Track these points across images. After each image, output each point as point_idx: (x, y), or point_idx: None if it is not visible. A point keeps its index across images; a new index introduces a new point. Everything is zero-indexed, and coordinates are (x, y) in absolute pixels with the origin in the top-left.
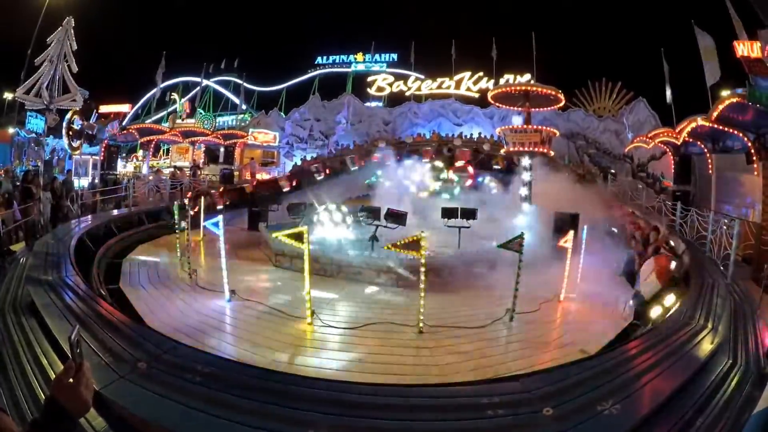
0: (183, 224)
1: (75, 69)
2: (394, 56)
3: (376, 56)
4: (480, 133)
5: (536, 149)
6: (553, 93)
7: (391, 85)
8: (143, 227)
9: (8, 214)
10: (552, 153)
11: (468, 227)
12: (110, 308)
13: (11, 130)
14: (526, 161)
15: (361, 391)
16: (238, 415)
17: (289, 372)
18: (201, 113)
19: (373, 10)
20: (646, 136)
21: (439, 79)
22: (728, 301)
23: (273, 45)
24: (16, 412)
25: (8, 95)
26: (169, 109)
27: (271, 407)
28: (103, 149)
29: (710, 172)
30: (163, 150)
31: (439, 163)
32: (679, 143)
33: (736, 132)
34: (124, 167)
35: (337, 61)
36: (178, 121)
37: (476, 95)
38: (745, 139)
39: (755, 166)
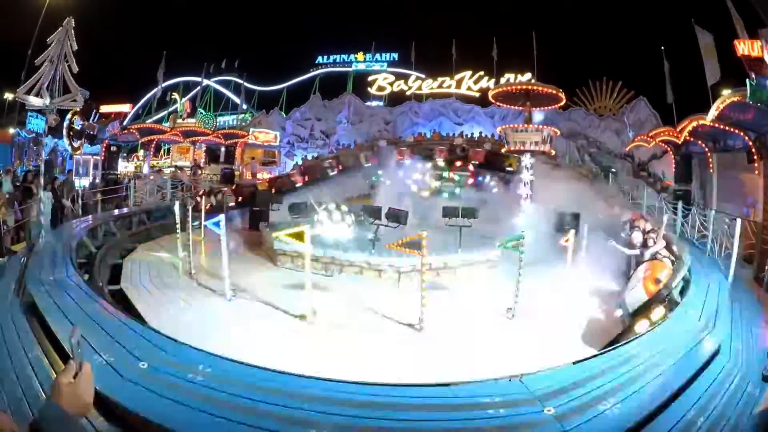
0: (196, 222)
1: (75, 69)
2: (395, 56)
3: (377, 56)
4: (481, 133)
5: (537, 148)
6: (554, 92)
7: (391, 84)
8: (144, 227)
9: (9, 214)
10: (553, 152)
11: (469, 226)
12: (111, 308)
13: (12, 131)
14: (527, 160)
15: (362, 390)
16: (238, 414)
17: (290, 371)
18: (202, 113)
19: (373, 10)
20: (647, 136)
21: (440, 79)
22: (729, 301)
23: (273, 45)
24: (17, 412)
25: (9, 95)
26: (170, 109)
27: (272, 407)
28: (103, 149)
29: (711, 171)
30: (164, 150)
31: (440, 163)
32: (679, 142)
33: (737, 131)
34: (125, 168)
35: (337, 60)
36: (179, 120)
37: (477, 94)
38: (746, 138)
39: (756, 165)
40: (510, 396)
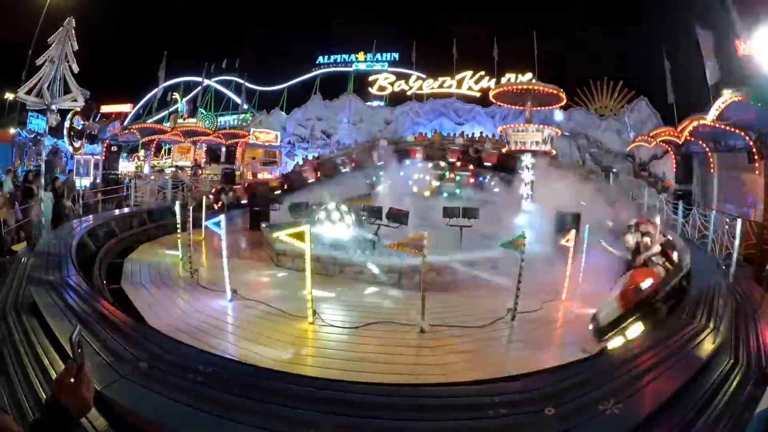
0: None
1: (76, 69)
2: (396, 55)
3: (378, 55)
4: (481, 132)
5: (538, 148)
6: (555, 92)
7: (392, 84)
8: (145, 227)
9: (10, 214)
10: (554, 152)
11: (470, 226)
12: (112, 308)
13: (12, 131)
14: (527, 160)
15: (362, 390)
16: (239, 414)
17: (291, 372)
18: (202, 113)
19: (374, 10)
20: (648, 136)
21: (441, 79)
22: (730, 301)
23: (274, 44)
24: (18, 412)
25: (9, 95)
26: (171, 109)
27: (272, 407)
28: (104, 149)
29: (712, 171)
30: (165, 150)
31: (441, 163)
32: (680, 142)
33: (737, 131)
34: (125, 168)
35: (338, 60)
36: (180, 120)
37: (478, 94)
38: (747, 138)
39: (757, 165)
40: (510, 396)
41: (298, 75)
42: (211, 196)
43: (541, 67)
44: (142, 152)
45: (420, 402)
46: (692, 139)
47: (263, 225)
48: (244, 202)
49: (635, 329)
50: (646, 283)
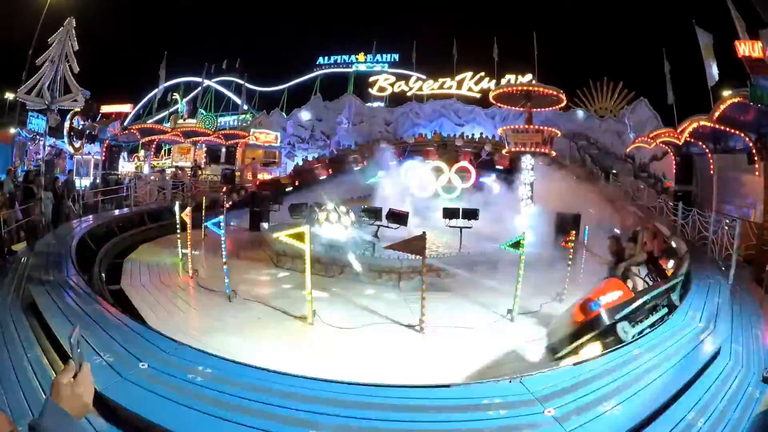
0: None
1: (76, 69)
2: (396, 56)
3: (378, 56)
4: (482, 134)
5: (538, 149)
6: (555, 93)
7: (392, 85)
8: (144, 227)
9: (10, 214)
10: (554, 153)
11: (470, 227)
12: (111, 308)
13: (12, 130)
14: (528, 161)
15: (362, 391)
16: (238, 414)
17: (290, 372)
18: (202, 113)
19: (374, 10)
20: (648, 137)
21: (441, 80)
22: (730, 302)
23: (274, 45)
24: (18, 412)
25: (10, 95)
26: (171, 110)
27: (272, 407)
28: (104, 149)
29: (712, 172)
30: (165, 150)
31: (441, 164)
32: (680, 143)
33: (737, 132)
34: (123, 167)
35: (338, 61)
36: (180, 121)
37: (478, 95)
38: (747, 139)
39: (757, 166)
40: (510, 397)
41: (298, 76)
42: (222, 195)
43: (541, 68)
44: (142, 152)
45: (420, 402)
46: (692, 140)
47: (263, 225)
48: None
49: (592, 350)
50: (608, 297)
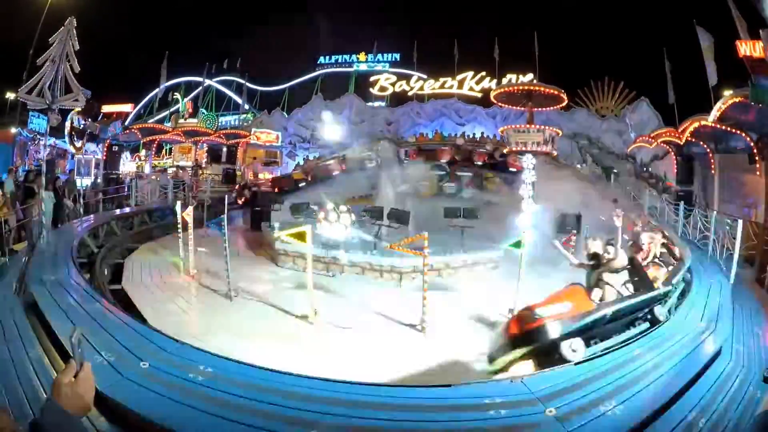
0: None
1: (77, 69)
2: (397, 56)
3: (379, 56)
4: (483, 133)
5: (539, 149)
6: (556, 92)
7: (393, 84)
8: (146, 227)
9: (11, 214)
10: (555, 153)
11: (471, 227)
12: (112, 308)
13: (13, 130)
14: (529, 161)
15: (363, 390)
16: (239, 414)
17: (291, 371)
18: (203, 113)
19: (375, 10)
20: (649, 136)
21: (442, 79)
22: (731, 302)
23: (275, 45)
24: (18, 412)
25: (10, 95)
26: (172, 109)
27: (273, 407)
28: (105, 149)
29: (713, 172)
30: (166, 149)
31: (442, 163)
32: (681, 143)
33: (738, 132)
34: (124, 166)
35: (339, 60)
36: (181, 120)
37: (479, 95)
38: (748, 139)
39: (758, 165)
40: (511, 397)
41: (299, 75)
42: (235, 192)
43: (542, 67)
44: (143, 152)
45: (421, 402)
46: (693, 140)
47: (264, 225)
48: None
49: (525, 367)
50: (552, 309)
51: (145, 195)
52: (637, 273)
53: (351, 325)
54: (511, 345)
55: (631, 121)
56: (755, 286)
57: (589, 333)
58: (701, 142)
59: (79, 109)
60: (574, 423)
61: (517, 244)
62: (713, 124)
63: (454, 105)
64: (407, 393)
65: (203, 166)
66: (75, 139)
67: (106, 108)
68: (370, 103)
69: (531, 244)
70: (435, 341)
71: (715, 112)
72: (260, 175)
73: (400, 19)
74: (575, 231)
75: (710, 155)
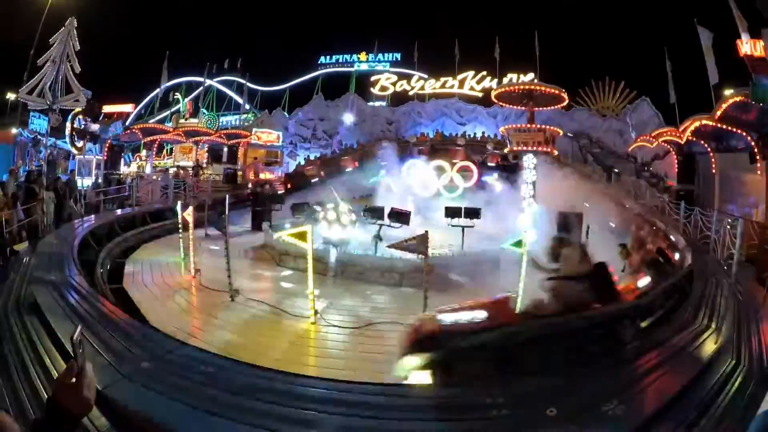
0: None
1: (78, 69)
2: (398, 56)
3: (380, 56)
4: (483, 133)
5: (540, 148)
6: (557, 92)
7: (394, 84)
8: (146, 227)
9: (12, 214)
10: (556, 152)
11: (472, 226)
12: (113, 308)
13: (14, 131)
14: (530, 160)
15: (364, 390)
16: (241, 414)
17: (293, 371)
18: (204, 113)
19: (376, 10)
20: (650, 136)
21: (443, 79)
22: (732, 301)
23: (276, 44)
24: (19, 412)
25: (11, 96)
26: (173, 109)
27: (274, 407)
28: (106, 149)
29: (714, 171)
30: (167, 150)
31: (443, 163)
32: (682, 142)
33: (739, 131)
34: (127, 166)
35: (340, 60)
36: (182, 120)
37: (479, 95)
38: (749, 138)
39: (759, 165)
40: (511, 397)
41: (300, 75)
42: (250, 189)
43: (543, 67)
44: (144, 152)
45: (423, 402)
46: (694, 139)
47: (265, 225)
48: (281, 192)
49: (422, 377)
50: (458, 316)
51: (146, 195)
52: (598, 285)
53: (352, 324)
54: (408, 351)
55: (632, 120)
56: (756, 286)
57: (505, 354)
58: (702, 142)
59: (80, 109)
60: (574, 423)
61: (518, 244)
62: (714, 124)
63: (455, 105)
64: (408, 393)
65: (204, 166)
66: (76, 139)
67: (107, 108)
68: (371, 103)
69: (533, 244)
70: None
71: (715, 112)
72: (261, 175)
73: (401, 19)
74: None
75: (711, 155)
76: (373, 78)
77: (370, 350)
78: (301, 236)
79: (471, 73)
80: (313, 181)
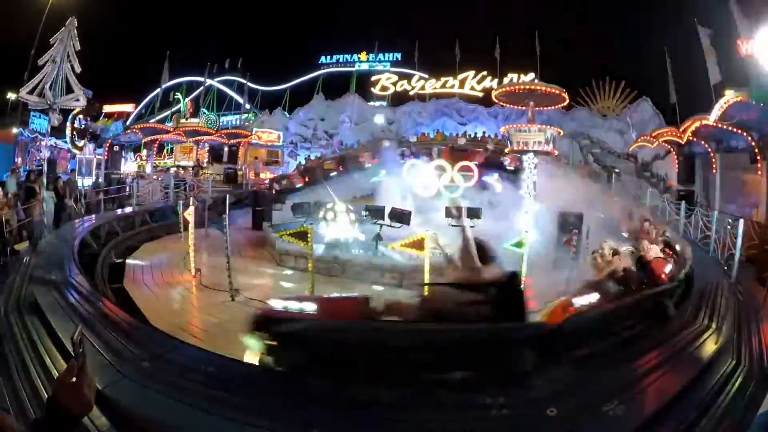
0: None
1: (78, 69)
2: (398, 55)
3: (380, 55)
4: (484, 132)
5: (540, 148)
6: (557, 92)
7: (395, 84)
8: (147, 226)
9: (12, 214)
10: (556, 152)
11: (473, 227)
12: (114, 307)
13: (15, 130)
14: (530, 160)
15: (365, 390)
16: (240, 414)
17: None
18: (205, 113)
19: (376, 9)
20: (650, 136)
21: (443, 79)
22: (732, 301)
23: (276, 44)
24: (19, 411)
25: (12, 95)
26: (173, 109)
27: (275, 407)
28: (106, 149)
29: (714, 171)
30: (167, 149)
31: (444, 163)
32: (683, 143)
33: (740, 131)
34: (125, 166)
35: (340, 60)
36: (182, 120)
37: (480, 94)
38: (749, 138)
39: (759, 165)
40: (511, 396)
41: (300, 75)
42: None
43: (544, 67)
44: (144, 152)
45: (423, 402)
46: (695, 139)
47: (266, 224)
48: (300, 185)
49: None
50: (291, 305)
51: (147, 195)
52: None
53: None
54: (247, 330)
55: (633, 120)
56: (756, 286)
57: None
58: (702, 142)
59: (81, 109)
60: (574, 423)
61: (519, 244)
62: (715, 124)
63: (455, 104)
64: (408, 392)
65: (204, 166)
66: (76, 139)
67: (108, 108)
68: (371, 103)
69: (535, 243)
70: None
71: (716, 112)
72: (262, 175)
73: (402, 19)
74: (577, 231)
75: (711, 155)
76: (373, 78)
77: None
78: (302, 236)
79: (471, 72)
80: (331, 174)
